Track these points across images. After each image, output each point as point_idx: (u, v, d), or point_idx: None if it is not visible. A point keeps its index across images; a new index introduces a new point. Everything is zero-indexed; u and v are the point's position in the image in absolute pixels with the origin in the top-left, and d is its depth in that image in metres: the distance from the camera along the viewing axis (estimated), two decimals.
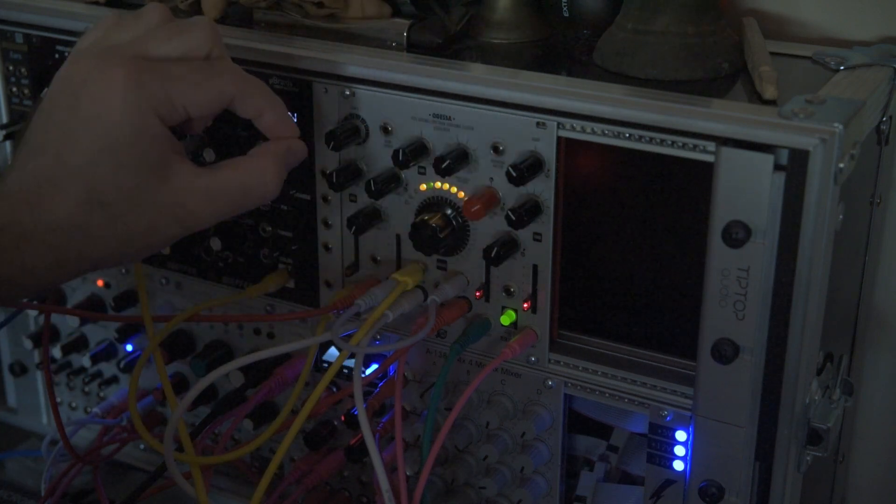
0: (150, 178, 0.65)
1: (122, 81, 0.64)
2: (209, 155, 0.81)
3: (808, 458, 0.70)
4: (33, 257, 0.63)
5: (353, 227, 0.77)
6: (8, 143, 0.94)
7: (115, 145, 0.64)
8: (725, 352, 0.67)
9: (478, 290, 0.77)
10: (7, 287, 0.64)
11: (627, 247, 0.74)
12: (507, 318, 0.76)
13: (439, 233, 0.74)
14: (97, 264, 0.67)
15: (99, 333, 0.97)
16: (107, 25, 0.69)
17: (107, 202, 0.64)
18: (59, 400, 1.00)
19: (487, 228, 0.74)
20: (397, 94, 0.74)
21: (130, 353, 0.96)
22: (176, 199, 0.66)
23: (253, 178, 0.69)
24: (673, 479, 0.75)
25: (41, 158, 0.64)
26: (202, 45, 0.68)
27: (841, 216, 0.67)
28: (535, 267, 0.74)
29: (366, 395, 0.76)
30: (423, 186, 0.76)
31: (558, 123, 0.70)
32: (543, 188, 0.72)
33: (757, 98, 0.69)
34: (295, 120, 0.78)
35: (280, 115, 0.71)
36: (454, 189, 0.75)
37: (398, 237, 0.78)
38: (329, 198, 0.80)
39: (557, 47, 0.81)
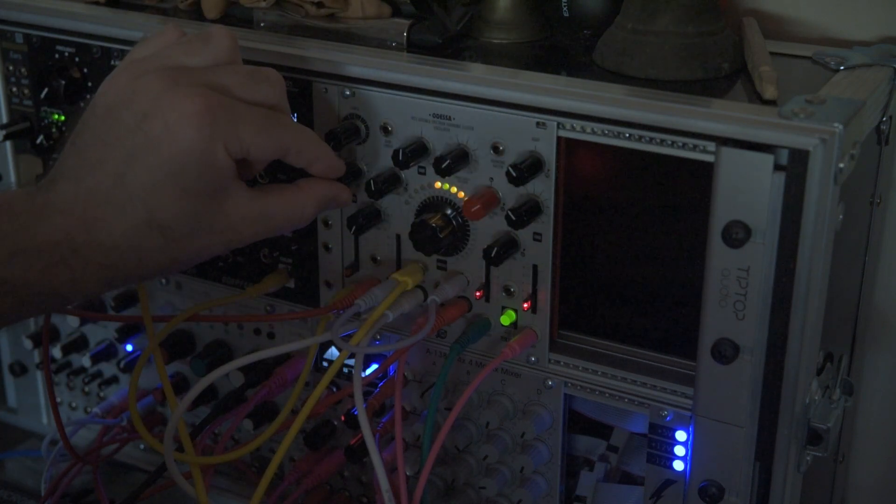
0: (209, 204, 0.66)
1: (197, 110, 0.63)
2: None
3: (808, 458, 0.70)
4: (83, 273, 0.64)
5: (353, 227, 0.77)
6: (8, 144, 0.94)
7: (182, 172, 0.64)
8: (725, 352, 0.67)
9: (478, 290, 0.77)
10: (53, 299, 0.65)
11: (627, 247, 0.74)
12: (507, 318, 0.76)
13: (439, 233, 0.74)
14: (144, 279, 0.68)
15: (99, 333, 0.97)
16: (168, 41, 0.69)
17: (166, 226, 0.65)
18: (59, 400, 1.00)
19: (487, 228, 0.74)
20: (397, 94, 0.74)
21: (130, 353, 0.96)
22: (229, 223, 0.67)
23: (294, 210, 0.71)
24: (673, 479, 0.75)
25: (100, 176, 0.64)
26: (273, 96, 0.69)
27: (841, 216, 0.67)
28: (535, 267, 0.74)
29: (366, 395, 0.76)
30: (423, 186, 0.76)
31: (558, 123, 0.70)
32: (543, 188, 0.72)
33: (757, 98, 0.69)
34: (294, 119, 0.79)
35: (328, 163, 0.72)
36: (454, 189, 0.75)
37: (398, 237, 0.78)
38: None
39: (557, 47, 0.81)
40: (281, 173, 0.80)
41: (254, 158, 0.68)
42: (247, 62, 0.77)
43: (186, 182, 0.64)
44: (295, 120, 0.77)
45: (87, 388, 1.00)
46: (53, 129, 0.90)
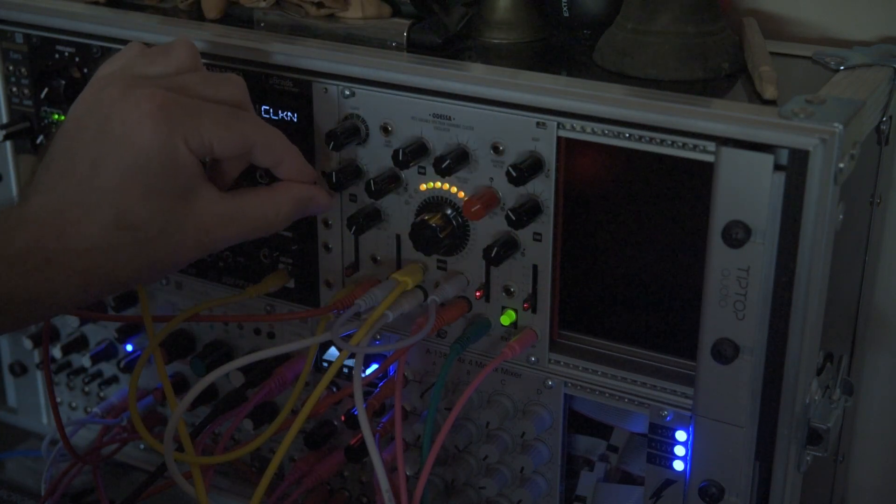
0: (177, 202, 0.67)
1: (153, 107, 0.65)
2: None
3: (808, 458, 0.70)
4: (60, 280, 0.64)
5: (353, 227, 0.77)
6: (8, 144, 0.94)
7: (145, 169, 0.65)
8: (725, 352, 0.67)
9: (478, 290, 0.77)
10: (33, 308, 0.65)
11: (627, 247, 0.74)
12: (507, 318, 0.76)
13: (439, 233, 0.74)
14: (122, 286, 0.69)
15: (99, 333, 0.97)
16: (132, 55, 0.70)
17: (135, 225, 0.65)
18: (59, 400, 1.00)
19: (487, 228, 0.74)
20: (397, 94, 0.74)
21: (130, 353, 0.96)
22: (200, 223, 0.68)
23: (269, 210, 0.71)
24: (673, 479, 0.75)
25: (68, 184, 0.65)
26: (235, 95, 0.70)
27: (841, 216, 0.67)
28: (535, 267, 0.74)
29: (366, 395, 0.76)
30: (423, 186, 0.76)
31: (558, 123, 0.70)
32: (543, 188, 0.72)
33: (757, 98, 0.69)
34: (295, 120, 0.79)
35: (298, 164, 0.73)
36: (454, 189, 0.75)
37: (398, 237, 0.78)
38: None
39: (557, 47, 0.81)
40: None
41: (219, 154, 0.68)
42: (246, 62, 0.77)
43: (150, 180, 0.65)
44: (293, 127, 0.77)
45: (87, 388, 1.00)
46: (53, 129, 0.90)
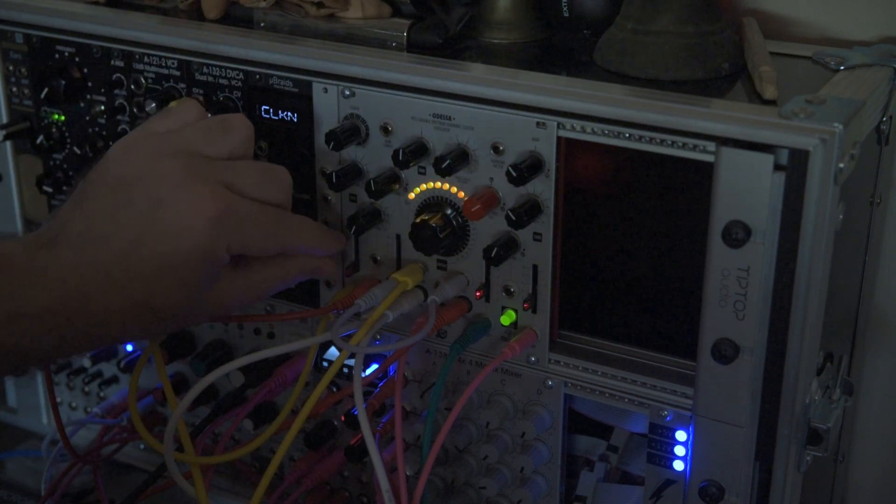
0: (202, 293, 0.69)
1: (208, 217, 0.65)
2: None
3: (808, 458, 0.70)
4: (72, 339, 0.66)
5: (353, 227, 0.77)
6: (8, 144, 0.94)
7: (184, 266, 0.66)
8: (725, 352, 0.67)
9: (478, 290, 0.77)
10: (39, 361, 0.69)
11: (627, 247, 0.74)
12: (507, 318, 0.76)
13: (439, 233, 0.74)
14: (123, 343, 0.71)
15: None
16: (188, 119, 0.71)
17: (158, 310, 0.67)
18: (59, 400, 1.00)
19: (487, 228, 0.74)
20: (397, 94, 0.74)
21: (130, 353, 0.96)
22: (219, 302, 0.70)
23: (278, 280, 0.74)
24: (673, 479, 0.75)
25: (104, 252, 0.65)
26: (280, 196, 0.72)
27: (841, 216, 0.67)
28: (535, 267, 0.74)
29: (366, 395, 0.76)
30: (423, 186, 0.76)
31: (558, 123, 0.70)
32: (543, 188, 0.72)
33: (757, 98, 0.69)
34: (295, 120, 0.79)
35: (328, 250, 0.76)
36: (454, 189, 0.75)
37: (398, 237, 0.78)
38: (329, 198, 0.80)
39: (557, 47, 0.81)
40: None
41: (252, 255, 0.71)
42: (246, 62, 0.77)
43: (186, 275, 0.66)
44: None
45: (87, 388, 1.00)
46: (53, 129, 0.90)
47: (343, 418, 0.81)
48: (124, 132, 0.87)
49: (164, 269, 0.65)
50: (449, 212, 0.75)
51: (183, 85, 0.83)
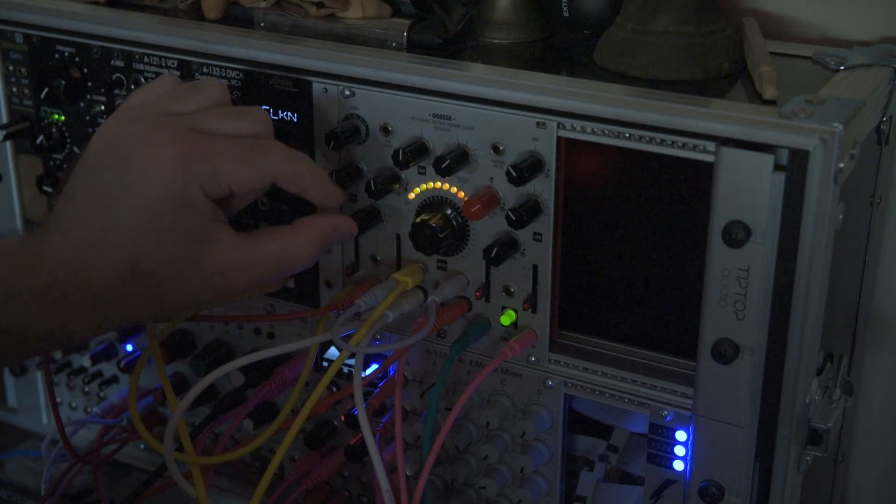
0: (190, 250, 0.66)
1: (171, 158, 0.64)
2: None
3: (808, 458, 0.70)
4: (74, 317, 0.65)
5: None
6: (8, 144, 0.94)
7: (159, 219, 0.65)
8: (725, 352, 0.67)
9: (478, 290, 0.77)
10: (46, 342, 0.66)
11: (627, 247, 0.74)
12: (507, 318, 0.76)
13: (439, 233, 0.74)
14: (134, 323, 0.69)
15: None
16: (162, 89, 0.70)
17: (148, 272, 0.65)
18: (59, 400, 1.00)
19: (487, 228, 0.74)
20: (397, 94, 0.74)
21: (130, 353, 0.96)
22: (215, 270, 0.67)
23: (293, 250, 0.70)
24: (673, 479, 0.75)
25: (87, 226, 0.65)
26: (257, 128, 0.69)
27: (841, 216, 0.67)
28: (535, 267, 0.74)
29: (366, 395, 0.76)
30: (423, 186, 0.76)
31: (558, 123, 0.70)
32: (543, 188, 0.72)
33: (757, 98, 0.69)
34: (295, 120, 0.79)
35: (325, 189, 0.72)
36: (454, 189, 0.75)
37: (398, 237, 0.78)
38: None
39: (557, 47, 0.81)
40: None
41: (239, 191, 0.68)
42: (246, 62, 0.77)
43: (164, 227, 0.65)
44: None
45: (87, 388, 1.00)
46: (53, 129, 0.90)
47: (343, 418, 0.81)
48: None
49: (140, 228, 0.64)
50: (449, 212, 0.75)
51: None
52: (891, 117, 0.76)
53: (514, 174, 0.70)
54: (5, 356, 0.68)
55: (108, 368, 0.99)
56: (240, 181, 0.67)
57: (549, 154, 0.71)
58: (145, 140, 0.65)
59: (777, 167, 0.63)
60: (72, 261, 0.64)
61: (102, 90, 0.87)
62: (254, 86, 0.80)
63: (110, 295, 0.65)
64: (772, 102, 0.67)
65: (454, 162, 0.72)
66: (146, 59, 0.84)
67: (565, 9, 0.80)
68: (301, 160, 0.70)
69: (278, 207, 0.81)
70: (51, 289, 0.64)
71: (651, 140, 0.67)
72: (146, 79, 0.84)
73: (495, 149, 0.72)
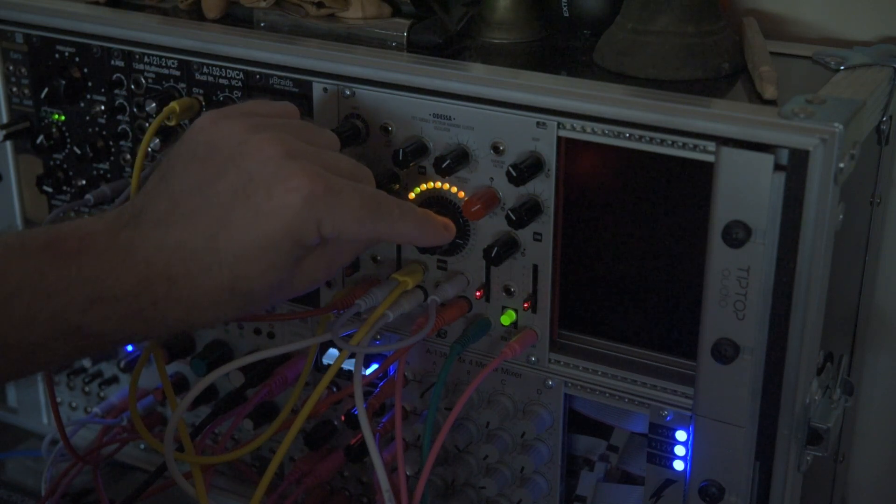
0: (287, 276, 0.64)
1: (302, 197, 0.61)
2: None
3: (808, 458, 0.70)
4: (158, 324, 0.62)
5: None
6: (8, 144, 0.94)
7: (274, 248, 0.62)
8: (725, 352, 0.67)
9: (478, 290, 0.77)
10: (120, 346, 0.63)
11: (627, 247, 0.74)
12: (507, 318, 0.76)
13: None
14: (204, 328, 0.67)
15: None
16: (288, 112, 0.68)
17: (245, 293, 0.63)
18: (59, 400, 1.00)
19: (487, 228, 0.74)
20: (397, 93, 0.74)
21: (130, 353, 0.96)
22: (299, 283, 0.66)
23: (354, 252, 0.70)
24: (673, 479, 0.75)
25: (191, 231, 0.61)
26: (367, 176, 0.68)
27: (841, 216, 0.67)
28: (535, 267, 0.74)
29: (366, 395, 0.76)
30: (423, 186, 0.76)
31: (558, 123, 0.70)
32: (543, 188, 0.72)
33: (757, 98, 0.69)
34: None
35: (434, 241, 0.71)
36: (454, 189, 0.75)
37: None
38: None
39: (557, 47, 0.81)
40: None
41: (345, 239, 0.66)
42: (246, 62, 0.77)
43: (272, 259, 0.62)
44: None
45: (87, 388, 1.00)
46: (53, 129, 0.90)
47: (343, 418, 0.81)
48: (124, 132, 0.87)
49: (253, 253, 0.61)
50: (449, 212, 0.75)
51: (183, 85, 0.83)
52: (891, 117, 0.76)
53: (514, 174, 0.70)
54: (73, 358, 0.63)
55: (109, 368, 0.99)
56: (350, 234, 0.65)
57: (550, 154, 0.71)
58: (278, 160, 0.62)
59: (777, 167, 0.63)
60: (166, 268, 0.61)
61: (102, 90, 0.87)
62: (254, 86, 0.80)
63: (201, 310, 0.62)
64: (772, 102, 0.67)
65: (454, 162, 0.72)
66: (146, 59, 0.84)
67: (565, 9, 0.80)
68: (407, 224, 0.68)
69: None
70: (140, 296, 0.60)
71: (651, 140, 0.67)
72: (146, 79, 0.84)
73: (495, 149, 0.72)
